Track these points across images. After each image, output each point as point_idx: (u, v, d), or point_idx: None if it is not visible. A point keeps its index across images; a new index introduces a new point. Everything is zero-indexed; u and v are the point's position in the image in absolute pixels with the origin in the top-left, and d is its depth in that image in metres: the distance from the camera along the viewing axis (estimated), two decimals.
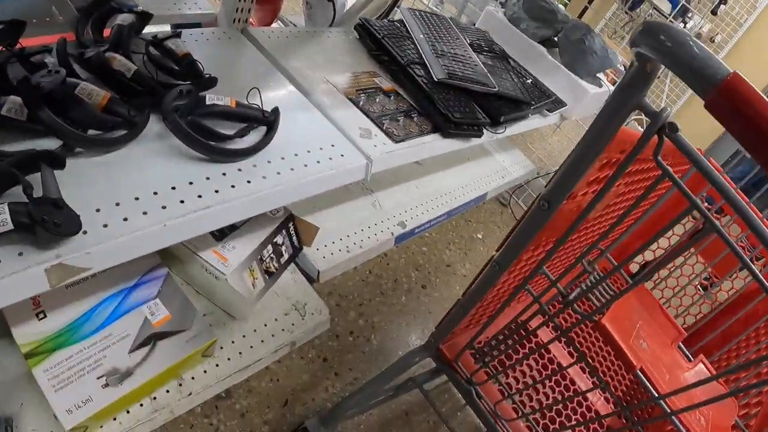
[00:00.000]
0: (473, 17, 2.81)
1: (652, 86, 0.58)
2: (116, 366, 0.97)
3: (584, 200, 0.79)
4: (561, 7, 2.43)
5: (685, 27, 4.70)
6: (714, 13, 5.27)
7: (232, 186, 0.91)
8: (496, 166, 2.22)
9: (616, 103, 0.58)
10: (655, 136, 0.56)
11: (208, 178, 0.90)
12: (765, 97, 0.41)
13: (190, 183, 0.88)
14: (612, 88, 2.38)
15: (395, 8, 1.98)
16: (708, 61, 0.44)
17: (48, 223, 0.69)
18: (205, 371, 1.12)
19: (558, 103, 2.00)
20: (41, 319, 0.97)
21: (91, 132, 0.86)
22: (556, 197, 0.70)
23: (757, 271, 0.57)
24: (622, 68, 2.76)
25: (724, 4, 5.25)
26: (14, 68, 0.88)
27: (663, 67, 0.51)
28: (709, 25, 5.45)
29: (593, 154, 0.63)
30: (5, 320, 0.94)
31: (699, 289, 1.55)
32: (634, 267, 1.84)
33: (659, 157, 0.56)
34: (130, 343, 1.01)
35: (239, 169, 0.94)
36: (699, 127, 5.47)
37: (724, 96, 0.43)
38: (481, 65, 1.64)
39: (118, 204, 0.80)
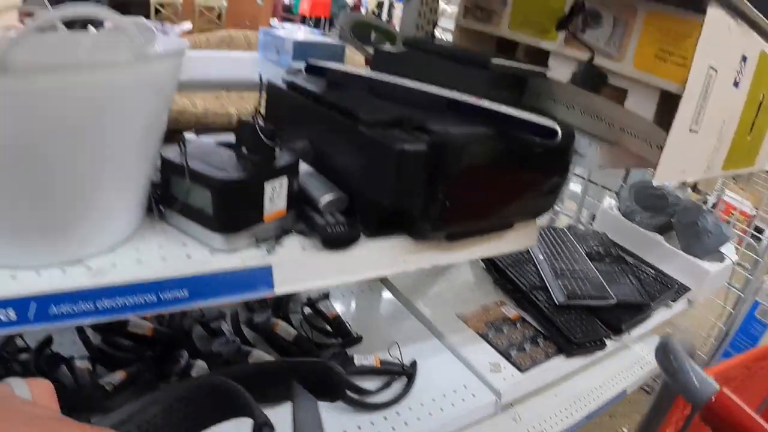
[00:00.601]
0: (592, 209, 2.98)
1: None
2: None
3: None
4: (671, 186, 2.51)
5: None
6: None
7: None
8: (633, 358, 2.22)
9: (661, 395, 0.72)
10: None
11: (359, 427, 1.10)
12: (749, 411, 0.55)
13: None
14: (735, 259, 2.37)
15: None
16: (701, 382, 0.58)
17: None
18: None
19: (682, 290, 2.05)
20: None
21: None
22: None
23: None
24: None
25: None
26: (196, 330, 1.17)
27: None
28: None
29: (656, 424, 0.76)
30: None
31: None
32: None
33: None
34: None
35: (385, 418, 1.14)
36: None
37: (712, 411, 0.57)
38: (599, 276, 1.76)
39: None
